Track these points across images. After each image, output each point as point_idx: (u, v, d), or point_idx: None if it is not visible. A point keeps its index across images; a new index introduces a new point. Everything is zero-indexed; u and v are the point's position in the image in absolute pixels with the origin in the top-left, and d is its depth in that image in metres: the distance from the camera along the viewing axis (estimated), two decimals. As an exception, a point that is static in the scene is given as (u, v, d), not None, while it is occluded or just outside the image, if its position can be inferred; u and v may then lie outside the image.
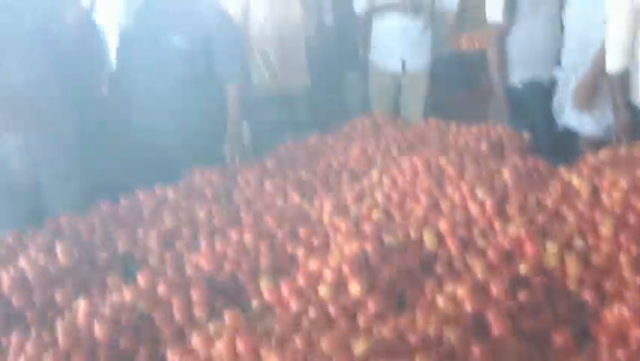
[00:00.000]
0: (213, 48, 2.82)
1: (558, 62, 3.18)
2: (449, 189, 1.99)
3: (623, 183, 1.82)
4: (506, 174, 2.05)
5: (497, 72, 2.97)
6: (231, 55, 2.90)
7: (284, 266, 1.75)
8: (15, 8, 2.42)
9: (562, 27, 3.15)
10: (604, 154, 2.23)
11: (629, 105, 2.72)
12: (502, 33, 2.99)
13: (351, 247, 1.65)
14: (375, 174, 2.28)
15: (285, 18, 3.39)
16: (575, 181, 1.94)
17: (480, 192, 1.89)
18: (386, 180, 2.19)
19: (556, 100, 3.19)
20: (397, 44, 3.69)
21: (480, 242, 1.72)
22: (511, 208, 1.84)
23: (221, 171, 2.65)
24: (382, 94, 3.86)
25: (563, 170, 2.09)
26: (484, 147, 2.59)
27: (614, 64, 2.68)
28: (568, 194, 1.90)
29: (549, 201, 1.86)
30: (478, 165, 2.24)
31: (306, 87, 3.53)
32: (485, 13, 3.08)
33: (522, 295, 1.45)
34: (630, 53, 2.66)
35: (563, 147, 2.99)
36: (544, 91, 3.19)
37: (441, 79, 4.12)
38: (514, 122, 3.01)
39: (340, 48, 4.08)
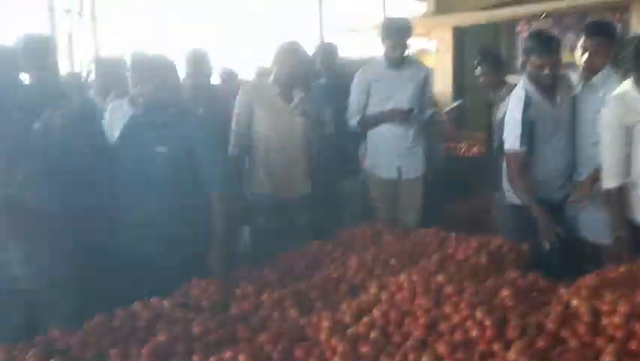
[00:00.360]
0: (195, 157, 2.86)
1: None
2: (448, 309, 1.96)
3: (624, 307, 1.80)
4: (506, 292, 2.04)
5: (526, 197, 2.94)
6: (212, 163, 2.90)
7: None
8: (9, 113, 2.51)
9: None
10: (603, 273, 2.22)
11: (629, 222, 2.74)
12: (523, 160, 2.99)
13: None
14: (373, 289, 2.26)
15: (289, 134, 3.50)
16: (575, 303, 1.91)
17: (479, 313, 1.87)
18: (384, 297, 2.17)
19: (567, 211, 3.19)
20: (392, 152, 3.80)
21: (480, 367, 1.68)
22: (511, 330, 1.81)
23: (220, 280, 2.63)
24: (381, 201, 3.92)
25: (562, 289, 2.07)
26: (483, 259, 2.58)
27: (608, 182, 2.74)
28: (568, 316, 1.87)
29: (549, 324, 1.83)
30: (477, 281, 2.22)
31: (306, 195, 3.58)
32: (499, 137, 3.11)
33: None
34: (624, 170, 2.72)
35: (569, 259, 2.97)
36: (555, 208, 3.16)
37: (440, 186, 4.20)
38: (518, 236, 3.00)
39: (340, 156, 4.20)
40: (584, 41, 3.08)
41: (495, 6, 7.71)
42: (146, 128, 2.87)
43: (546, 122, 2.95)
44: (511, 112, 2.89)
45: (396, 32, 3.67)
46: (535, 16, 7.93)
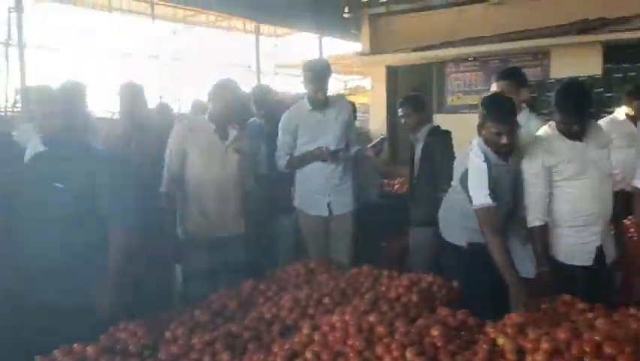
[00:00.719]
0: (97, 192, 2.78)
1: None
2: (380, 350, 1.98)
3: (546, 344, 1.87)
4: (436, 332, 2.07)
5: (501, 257, 2.73)
6: (114, 198, 2.80)
7: None
8: None
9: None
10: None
11: (550, 259, 2.87)
12: (494, 216, 2.84)
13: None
14: (306, 330, 2.25)
15: (223, 173, 3.47)
16: (501, 341, 1.97)
17: (409, 355, 1.89)
18: (317, 338, 2.16)
19: None
20: (321, 190, 3.84)
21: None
22: (441, 370, 1.84)
23: (148, 323, 2.55)
24: (312, 239, 3.93)
25: (489, 327, 2.12)
26: (414, 298, 2.62)
27: (532, 220, 2.86)
28: (494, 354, 1.93)
29: (477, 363, 1.88)
30: (408, 320, 2.26)
31: (239, 234, 3.54)
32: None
33: None
34: (546, 209, 2.86)
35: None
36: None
37: (373, 222, 4.27)
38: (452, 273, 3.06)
39: (274, 195, 4.20)
40: (495, 85, 3.34)
41: (425, 48, 8.04)
42: (48, 164, 2.80)
43: (502, 180, 2.96)
44: (475, 172, 2.85)
45: (316, 75, 3.73)
46: (462, 59, 8.31)
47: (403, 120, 4.27)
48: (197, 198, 3.46)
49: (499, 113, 2.75)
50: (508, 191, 2.88)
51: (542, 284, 2.78)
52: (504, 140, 2.73)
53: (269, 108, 4.51)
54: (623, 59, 7.41)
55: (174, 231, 3.53)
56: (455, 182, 3.11)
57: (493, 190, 2.74)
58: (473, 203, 2.76)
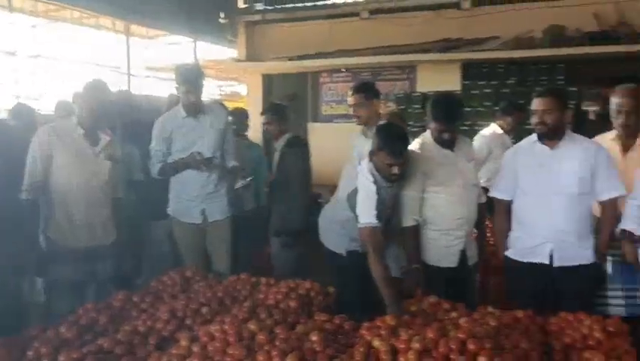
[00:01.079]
0: None
1: None
2: (260, 358, 1.98)
3: (417, 344, 1.98)
4: (314, 337, 2.12)
5: (380, 277, 2.79)
6: None
7: None
8: None
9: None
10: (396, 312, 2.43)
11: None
12: (379, 236, 2.93)
13: None
14: (184, 342, 2.20)
15: (93, 179, 3.28)
16: (376, 343, 2.06)
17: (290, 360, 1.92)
18: (196, 349, 2.12)
19: None
20: (195, 197, 3.76)
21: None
22: (320, 374, 1.89)
23: (8, 341, 2.34)
24: (188, 247, 3.83)
25: (364, 330, 2.21)
26: (293, 304, 2.66)
27: (405, 221, 3.03)
28: (370, 356, 2.01)
29: (354, 365, 1.95)
30: (288, 326, 2.29)
31: (111, 243, 3.37)
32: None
33: None
34: (418, 212, 3.04)
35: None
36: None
37: (249, 230, 4.25)
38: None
39: (149, 202, 4.04)
40: (351, 99, 3.59)
41: (300, 57, 8.19)
42: None
43: (388, 200, 3.09)
44: (364, 193, 2.89)
45: (188, 79, 3.66)
46: (336, 70, 8.59)
47: (264, 128, 4.30)
48: (64, 205, 3.23)
49: (393, 146, 2.81)
50: (391, 208, 3.03)
51: (414, 280, 2.95)
52: (395, 171, 2.84)
53: (133, 113, 4.34)
54: (480, 77, 8.08)
55: (36, 240, 3.27)
56: (342, 195, 3.18)
57: (379, 211, 2.86)
58: (360, 221, 2.85)
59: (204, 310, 2.64)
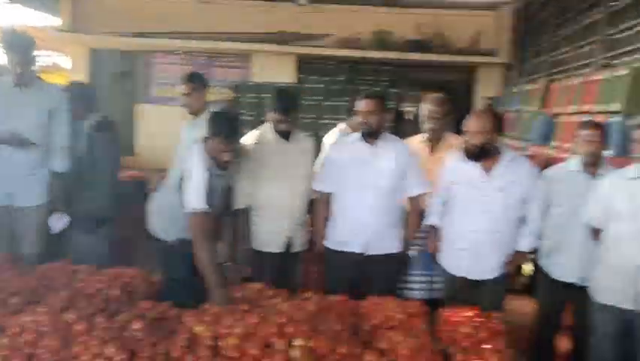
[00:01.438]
0: None
1: None
2: (77, 348, 1.93)
3: (238, 329, 2.07)
4: (137, 325, 2.11)
5: (209, 265, 2.77)
6: None
7: None
8: None
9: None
10: (221, 297, 2.51)
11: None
12: (206, 221, 2.93)
13: None
14: (-10, 335, 2.05)
15: None
16: (198, 329, 2.12)
17: (109, 350, 1.90)
18: (5, 341, 1.99)
19: None
20: (6, 177, 3.40)
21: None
22: (141, 362, 1.90)
23: None
24: None
25: (188, 317, 2.25)
26: (115, 292, 2.61)
27: (235, 203, 3.17)
28: (193, 342, 2.06)
29: (175, 351, 1.98)
30: (109, 315, 2.24)
31: None
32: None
33: None
34: (250, 195, 3.18)
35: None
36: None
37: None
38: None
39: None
40: (184, 88, 3.65)
41: (133, 34, 7.83)
42: None
43: (218, 187, 3.11)
44: (194, 178, 2.83)
45: (17, 46, 3.33)
46: (170, 51, 8.36)
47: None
48: None
49: (226, 132, 2.86)
50: (221, 197, 3.07)
51: (244, 262, 3.07)
52: (227, 157, 2.89)
53: None
54: (313, 72, 8.42)
55: None
56: (173, 181, 3.13)
57: (209, 196, 2.88)
58: (188, 207, 2.84)
59: (14, 300, 2.47)
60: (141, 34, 7.86)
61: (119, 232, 4.06)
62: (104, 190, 3.63)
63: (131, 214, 4.01)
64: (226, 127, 2.90)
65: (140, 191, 4.81)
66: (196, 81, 3.69)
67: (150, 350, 1.97)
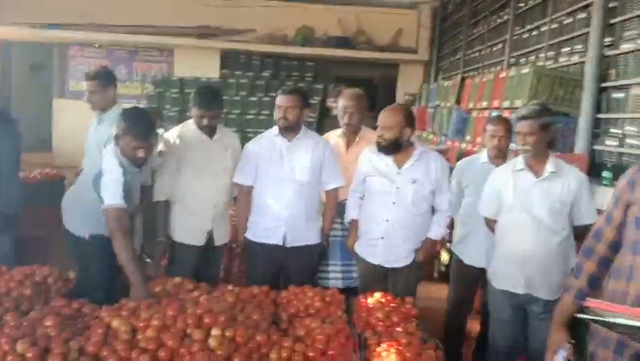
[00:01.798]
0: None
1: None
2: (-15, 348, 1.89)
3: (156, 321, 2.09)
4: (49, 322, 2.08)
5: (128, 259, 2.74)
6: None
7: None
8: None
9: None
10: (142, 292, 2.51)
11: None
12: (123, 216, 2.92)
13: None
14: None
15: None
16: (115, 323, 2.11)
17: (21, 346, 1.87)
18: None
19: None
20: None
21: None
22: (53, 358, 1.88)
23: None
24: None
25: (104, 312, 2.24)
26: (27, 291, 2.55)
27: (155, 195, 3.18)
28: (109, 336, 2.06)
29: (90, 347, 1.98)
30: (21, 313, 2.20)
31: None
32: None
33: None
34: (172, 188, 3.21)
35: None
36: None
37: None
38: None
39: None
40: (86, 85, 3.50)
41: (45, 26, 7.53)
42: None
43: (134, 184, 3.07)
44: (109, 175, 2.78)
45: None
46: (88, 44, 8.11)
47: None
48: None
49: (139, 129, 2.83)
50: (137, 193, 3.05)
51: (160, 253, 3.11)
52: (141, 154, 2.85)
53: None
54: (237, 67, 8.40)
55: None
56: (88, 177, 3.07)
57: (126, 193, 2.85)
58: (105, 203, 2.79)
59: None
60: (54, 26, 7.57)
61: (35, 232, 3.94)
62: (9, 187, 3.46)
63: (49, 213, 3.87)
64: (137, 124, 2.86)
65: (57, 190, 4.64)
66: (100, 80, 3.53)
67: (63, 346, 1.95)
